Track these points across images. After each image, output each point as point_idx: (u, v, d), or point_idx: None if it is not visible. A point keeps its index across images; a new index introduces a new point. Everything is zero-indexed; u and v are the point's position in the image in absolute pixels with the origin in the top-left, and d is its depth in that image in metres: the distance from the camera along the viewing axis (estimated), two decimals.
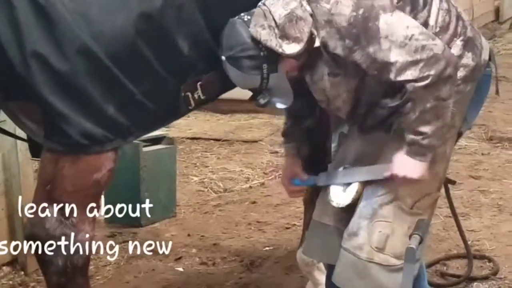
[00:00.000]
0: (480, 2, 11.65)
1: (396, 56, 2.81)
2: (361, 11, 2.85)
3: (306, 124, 3.48)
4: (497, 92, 3.53)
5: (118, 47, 2.85)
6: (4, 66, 2.76)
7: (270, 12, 2.90)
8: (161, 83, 3.04)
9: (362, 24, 2.85)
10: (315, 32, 2.92)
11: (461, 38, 3.10)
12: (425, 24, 3.02)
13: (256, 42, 2.92)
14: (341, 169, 3.24)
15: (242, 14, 3.00)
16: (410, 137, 2.92)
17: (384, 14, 2.85)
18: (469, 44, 3.12)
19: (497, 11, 12.48)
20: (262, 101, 3.08)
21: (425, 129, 2.88)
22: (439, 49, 2.82)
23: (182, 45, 3.04)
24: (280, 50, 2.90)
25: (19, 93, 2.85)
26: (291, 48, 2.91)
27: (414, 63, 2.80)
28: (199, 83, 3.14)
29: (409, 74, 2.81)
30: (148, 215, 5.12)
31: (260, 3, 2.98)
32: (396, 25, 2.85)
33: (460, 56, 3.05)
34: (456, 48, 3.07)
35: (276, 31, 2.89)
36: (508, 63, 9.40)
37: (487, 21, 11.98)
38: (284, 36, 2.90)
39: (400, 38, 2.82)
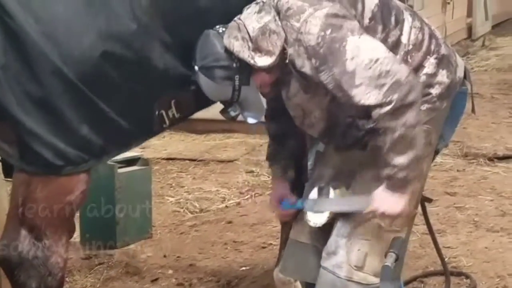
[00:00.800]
0: (453, 20, 11.75)
1: (361, 79, 2.80)
2: (329, 31, 2.84)
3: (289, 145, 3.48)
4: (473, 110, 3.58)
5: (86, 68, 2.85)
6: None
7: (244, 25, 2.94)
8: (133, 102, 3.03)
9: (329, 44, 2.85)
10: (287, 47, 2.93)
11: (435, 56, 3.12)
12: (398, 42, 3.05)
13: (229, 53, 2.94)
14: (332, 194, 3.21)
15: (217, 26, 3.02)
16: (386, 172, 2.93)
17: (351, 36, 2.85)
18: (443, 62, 3.14)
19: (469, 29, 12.59)
20: (232, 113, 3.10)
21: (399, 160, 2.87)
22: (403, 74, 2.82)
23: (156, 63, 3.04)
24: (252, 61, 2.92)
25: None
26: (263, 61, 2.92)
27: (378, 86, 2.80)
28: (173, 101, 3.14)
29: (372, 98, 2.81)
30: (123, 236, 5.23)
31: (235, 18, 2.99)
32: (363, 47, 2.85)
33: (435, 74, 3.09)
34: (430, 66, 3.09)
35: (249, 43, 2.91)
36: (482, 79, 9.48)
37: (460, 38, 12.09)
38: (257, 48, 2.92)
39: (366, 61, 2.81)
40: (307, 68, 2.91)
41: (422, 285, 4.60)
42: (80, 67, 2.82)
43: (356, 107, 2.93)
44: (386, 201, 2.95)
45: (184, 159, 7.01)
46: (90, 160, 2.97)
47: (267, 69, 2.96)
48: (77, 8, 2.83)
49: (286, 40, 2.93)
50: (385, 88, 2.78)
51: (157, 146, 6.74)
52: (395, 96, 2.78)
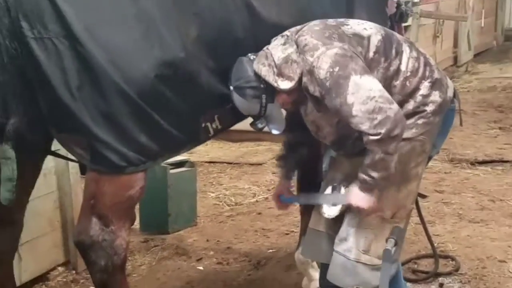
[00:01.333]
0: (442, 50, 11.72)
1: (357, 111, 2.81)
2: (336, 69, 2.85)
3: (301, 151, 3.50)
4: (461, 123, 3.56)
5: (144, 88, 2.85)
6: (56, 105, 2.77)
7: (271, 54, 2.97)
8: (183, 116, 3.03)
9: (335, 79, 2.85)
10: (302, 75, 2.96)
11: (429, 80, 3.11)
12: (398, 70, 3.04)
13: (258, 76, 2.98)
14: (329, 190, 3.26)
15: (249, 54, 3.04)
16: (362, 176, 2.96)
17: (354, 76, 2.84)
18: (436, 84, 3.12)
19: (455, 57, 12.51)
20: (259, 126, 3.13)
21: (374, 174, 2.93)
22: (393, 112, 2.82)
23: (203, 85, 3.05)
24: (275, 84, 2.95)
25: (70, 127, 2.85)
26: (284, 84, 2.95)
27: (370, 119, 2.80)
28: (216, 116, 3.15)
29: (364, 127, 2.83)
30: (173, 224, 5.28)
31: (264, 48, 3.03)
32: (363, 86, 2.84)
33: (429, 95, 3.08)
34: (425, 88, 3.08)
35: (274, 69, 2.95)
36: (465, 99, 9.42)
37: (448, 65, 12.02)
38: (280, 74, 2.95)
39: (363, 97, 2.82)
40: (317, 93, 2.93)
41: (416, 265, 4.58)
42: (140, 88, 2.83)
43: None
44: (357, 197, 3.01)
45: (223, 162, 7.02)
46: (147, 162, 2.98)
47: (288, 91, 2.98)
48: (136, 39, 2.82)
49: (303, 70, 2.94)
50: (376, 122, 2.80)
51: (201, 152, 6.71)
52: (383, 130, 2.79)
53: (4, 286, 3.38)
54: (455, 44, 12.59)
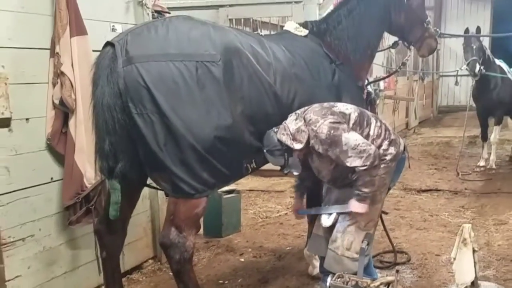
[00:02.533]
0: (398, 119, 11.66)
1: (350, 154, 2.92)
2: (332, 132, 2.95)
3: (307, 183, 3.50)
4: (409, 166, 3.52)
5: (207, 144, 2.81)
6: (150, 155, 2.77)
7: (288, 127, 3.00)
8: (232, 160, 2.98)
9: (333, 138, 2.94)
10: (310, 139, 2.99)
11: (388, 140, 3.12)
12: (368, 135, 3.08)
13: (280, 142, 2.99)
14: (326, 206, 3.29)
15: (274, 128, 3.05)
16: (357, 192, 3.01)
17: (344, 133, 2.94)
18: (392, 142, 3.13)
19: (407, 124, 12.42)
20: (285, 171, 3.14)
21: (365, 190, 3.02)
22: (372, 151, 2.94)
23: (246, 141, 3.02)
24: (292, 146, 2.98)
25: (158, 168, 2.82)
26: (297, 146, 2.99)
27: (359, 157, 2.90)
28: (253, 159, 3.12)
29: (356, 163, 2.93)
30: (225, 231, 5.17)
31: (283, 122, 3.06)
32: (350, 139, 2.94)
33: (388, 149, 3.09)
34: (385, 145, 3.09)
35: (290, 136, 2.98)
36: (413, 150, 9.39)
37: (402, 128, 11.93)
38: (294, 139, 2.98)
39: (352, 145, 2.91)
40: (320, 149, 2.99)
41: (382, 258, 4.44)
42: (203, 143, 2.80)
43: (348, 168, 2.99)
44: (356, 206, 3.03)
45: (258, 190, 6.90)
46: (207, 190, 2.93)
47: (300, 150, 3.00)
48: (202, 114, 2.79)
49: (309, 136, 2.96)
50: (363, 158, 2.90)
51: (244, 183, 6.59)
52: (368, 163, 2.89)
53: (114, 272, 3.32)
54: (407, 115, 12.49)
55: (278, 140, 3.01)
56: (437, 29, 4.02)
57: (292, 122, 3.03)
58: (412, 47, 4.12)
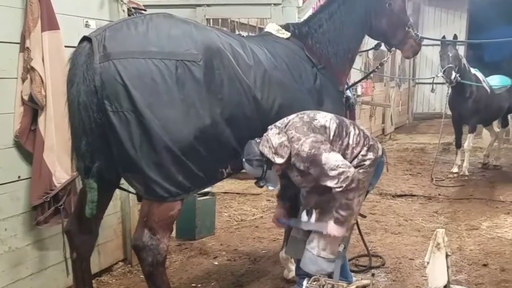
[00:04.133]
0: (375, 125, 11.78)
1: (329, 173, 2.95)
2: (313, 151, 2.96)
3: (289, 193, 3.50)
4: (387, 170, 3.61)
5: (184, 145, 2.77)
6: (124, 155, 2.70)
7: (270, 140, 3.01)
8: (208, 164, 2.93)
9: (313, 157, 2.96)
10: (291, 157, 3.02)
11: (366, 146, 3.19)
12: (347, 144, 3.15)
13: (262, 154, 2.99)
14: (305, 217, 3.31)
15: (256, 138, 3.05)
16: (335, 215, 3.05)
17: (324, 153, 2.96)
18: (370, 148, 3.20)
19: (383, 129, 12.53)
20: (261, 184, 3.16)
21: (342, 213, 3.05)
22: (350, 173, 2.95)
23: (223, 143, 2.97)
24: (273, 160, 3.00)
25: (133, 169, 2.75)
26: (278, 160, 3.00)
27: (337, 179, 2.95)
28: (229, 164, 3.07)
29: (333, 183, 2.96)
30: (199, 234, 5.11)
31: (265, 133, 3.05)
32: (331, 159, 2.96)
33: (366, 155, 3.17)
34: (364, 151, 3.16)
35: (272, 150, 2.97)
36: (389, 155, 9.28)
37: (378, 134, 12.02)
38: (276, 153, 2.99)
39: (332, 166, 2.96)
40: (302, 167, 3.02)
41: (357, 261, 4.46)
42: (180, 145, 2.76)
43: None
44: (333, 229, 3.10)
45: (233, 193, 6.86)
46: (182, 194, 2.89)
47: (280, 164, 2.99)
48: (180, 114, 2.74)
49: (291, 152, 3.01)
50: (341, 179, 2.94)
51: (218, 185, 6.48)
52: (344, 184, 2.94)
53: (84, 274, 3.23)
54: (383, 121, 12.61)
55: (260, 152, 3.00)
56: (418, 33, 4.04)
57: (274, 136, 3.01)
58: (392, 50, 4.13)
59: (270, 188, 3.22)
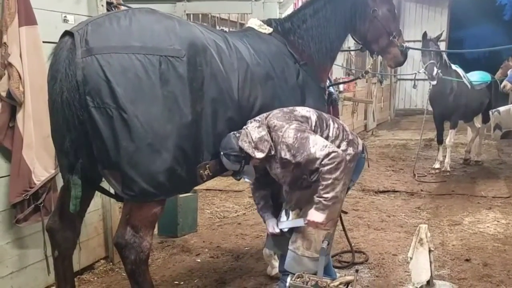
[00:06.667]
0: (357, 121, 11.89)
1: (319, 155, 2.89)
2: (299, 134, 2.94)
3: (264, 193, 3.46)
4: (368, 165, 3.59)
5: (169, 144, 2.75)
6: (104, 151, 2.66)
7: (250, 134, 2.97)
8: (190, 165, 2.91)
9: (300, 141, 2.93)
10: (272, 147, 3.00)
11: (346, 141, 3.19)
12: (327, 136, 3.15)
13: (240, 148, 2.95)
14: (284, 217, 3.29)
15: (235, 131, 3.03)
16: (317, 198, 2.97)
17: (311, 136, 2.95)
18: (350, 143, 3.21)
19: (365, 126, 12.67)
20: (238, 177, 3.14)
21: (326, 195, 2.95)
22: (339, 153, 2.93)
23: (203, 143, 2.95)
24: (252, 154, 2.97)
25: (112, 166, 2.71)
26: (258, 155, 2.98)
27: (327, 157, 2.88)
28: (207, 165, 3.02)
29: (324, 162, 2.88)
30: (181, 231, 5.10)
31: (245, 127, 3.03)
32: (318, 141, 2.94)
33: (346, 150, 3.16)
34: (343, 146, 3.16)
35: (252, 144, 2.95)
36: (371, 151, 9.57)
37: (360, 130, 12.15)
38: (255, 148, 2.96)
39: (320, 146, 2.91)
40: (287, 156, 2.96)
41: (341, 257, 4.50)
42: (162, 142, 2.73)
43: (309, 170, 3.02)
44: (314, 215, 2.98)
45: (215, 190, 6.86)
46: (162, 195, 2.88)
47: (260, 159, 3.01)
48: (163, 110, 2.71)
49: (272, 145, 2.99)
50: (331, 157, 2.88)
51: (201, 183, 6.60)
52: (335, 161, 2.89)
53: (66, 271, 3.19)
54: (365, 117, 12.73)
55: (239, 146, 2.96)
56: (404, 44, 4.12)
57: (254, 130, 2.99)
58: (374, 56, 4.18)
59: (247, 180, 3.19)
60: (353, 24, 3.86)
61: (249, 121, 3.09)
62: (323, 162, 2.89)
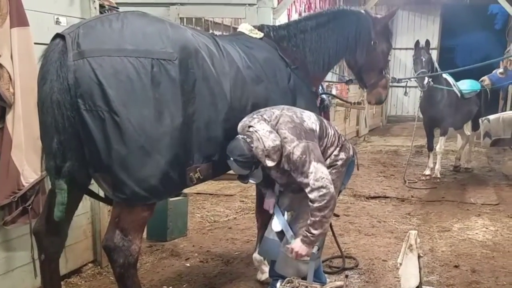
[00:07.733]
0: (349, 126, 11.91)
1: (312, 184, 2.94)
2: (304, 156, 2.97)
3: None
4: (358, 169, 3.64)
5: (161, 147, 2.73)
6: (96, 154, 2.64)
7: (263, 141, 2.96)
8: (182, 167, 2.91)
9: (302, 163, 2.97)
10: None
11: (339, 146, 3.26)
12: (326, 145, 3.20)
13: (253, 155, 2.95)
14: (286, 214, 3.34)
15: (244, 135, 3.01)
16: (305, 233, 3.03)
17: (314, 162, 2.97)
18: (342, 148, 3.28)
19: (357, 131, 12.70)
20: (245, 181, 3.12)
21: (313, 232, 3.01)
22: (332, 190, 2.97)
23: (192, 146, 2.93)
24: (264, 163, 3.00)
25: (103, 169, 2.70)
26: (269, 163, 3.01)
27: (318, 191, 2.95)
28: (198, 169, 3.01)
29: (313, 195, 2.96)
30: (171, 235, 5.07)
31: (253, 129, 3.01)
32: (318, 169, 2.97)
33: (338, 155, 3.25)
34: (336, 151, 3.24)
35: (265, 153, 2.97)
36: (363, 157, 9.65)
37: (352, 136, 12.16)
38: (268, 156, 2.98)
39: (317, 176, 2.94)
40: (285, 166, 3.03)
41: (331, 263, 4.49)
42: (154, 145, 2.71)
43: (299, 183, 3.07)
44: (299, 247, 3.08)
45: (206, 193, 6.83)
46: (153, 199, 2.86)
47: (270, 167, 3.04)
48: (155, 113, 2.69)
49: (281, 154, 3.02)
50: (321, 193, 2.95)
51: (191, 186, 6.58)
52: (324, 200, 2.94)
53: (53, 275, 3.16)
54: (357, 123, 12.76)
55: (251, 153, 2.96)
56: (395, 77, 4.20)
57: (267, 137, 2.98)
58: (365, 90, 4.25)
59: (253, 182, 3.18)
60: (354, 48, 3.92)
61: (253, 117, 3.08)
62: (312, 196, 2.95)
